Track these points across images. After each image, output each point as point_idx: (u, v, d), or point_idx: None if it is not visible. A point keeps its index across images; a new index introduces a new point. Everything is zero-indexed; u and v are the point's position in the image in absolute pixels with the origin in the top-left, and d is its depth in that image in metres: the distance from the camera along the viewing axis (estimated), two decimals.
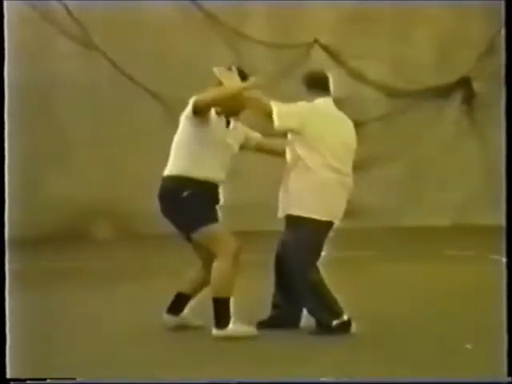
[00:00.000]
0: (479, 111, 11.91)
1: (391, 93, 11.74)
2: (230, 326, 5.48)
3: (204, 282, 5.69)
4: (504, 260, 4.07)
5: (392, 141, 11.71)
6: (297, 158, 5.45)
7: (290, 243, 5.52)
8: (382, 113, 11.70)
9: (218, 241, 5.46)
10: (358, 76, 11.54)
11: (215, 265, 5.45)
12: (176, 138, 5.81)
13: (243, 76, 5.53)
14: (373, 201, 11.50)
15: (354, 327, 5.52)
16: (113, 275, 8.10)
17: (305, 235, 5.46)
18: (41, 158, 11.09)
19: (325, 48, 11.56)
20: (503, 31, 4.20)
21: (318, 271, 5.57)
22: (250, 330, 5.52)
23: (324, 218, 5.49)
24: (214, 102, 5.51)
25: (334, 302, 5.55)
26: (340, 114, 5.57)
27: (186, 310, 5.77)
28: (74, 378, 4.29)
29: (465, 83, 11.83)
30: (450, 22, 11.72)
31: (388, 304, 6.56)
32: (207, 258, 5.57)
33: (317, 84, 5.54)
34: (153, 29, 11.13)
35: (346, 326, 5.50)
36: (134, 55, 11.08)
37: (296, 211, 5.46)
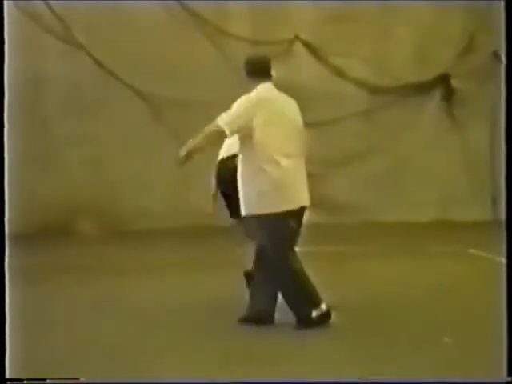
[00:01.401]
0: (458, 107, 11.89)
1: (372, 89, 11.71)
2: None
3: None
4: (504, 260, 4.03)
5: (373, 137, 11.69)
6: (248, 157, 5.40)
7: (264, 241, 5.50)
8: (362, 109, 11.66)
9: None
10: (338, 72, 11.52)
11: None
12: None
13: None
14: (354, 196, 11.52)
15: (333, 317, 5.51)
16: (98, 270, 8.11)
17: (273, 230, 5.41)
18: (28, 156, 10.94)
19: (306, 45, 11.53)
20: (503, 33, 4.15)
21: (297, 260, 5.54)
22: None
23: (284, 209, 5.41)
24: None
25: (314, 291, 5.53)
26: (282, 96, 5.52)
27: None
28: (77, 378, 4.24)
29: (444, 80, 11.80)
30: (429, 21, 11.69)
31: (369, 297, 6.57)
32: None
33: (257, 70, 5.50)
34: (137, 27, 11.04)
35: (325, 317, 5.48)
36: (118, 54, 10.98)
37: (256, 210, 5.42)
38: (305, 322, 5.45)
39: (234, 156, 5.67)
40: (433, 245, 9.45)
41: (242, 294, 5.97)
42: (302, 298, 5.48)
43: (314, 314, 5.46)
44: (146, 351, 4.99)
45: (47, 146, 11.12)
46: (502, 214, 12.83)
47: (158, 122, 11.22)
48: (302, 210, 5.57)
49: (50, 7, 10.79)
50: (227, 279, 6.88)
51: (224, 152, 6.17)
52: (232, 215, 6.14)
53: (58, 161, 11.16)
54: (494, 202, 11.80)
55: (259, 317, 5.61)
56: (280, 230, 5.42)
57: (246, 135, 5.33)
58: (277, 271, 5.51)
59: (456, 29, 11.67)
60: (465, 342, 5.10)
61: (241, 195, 5.48)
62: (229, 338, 5.30)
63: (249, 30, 11.15)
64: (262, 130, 5.31)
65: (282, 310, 5.62)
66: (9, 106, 10.94)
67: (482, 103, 11.81)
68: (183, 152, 5.39)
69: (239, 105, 5.36)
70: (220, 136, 5.36)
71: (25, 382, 4.07)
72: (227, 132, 5.27)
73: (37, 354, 4.92)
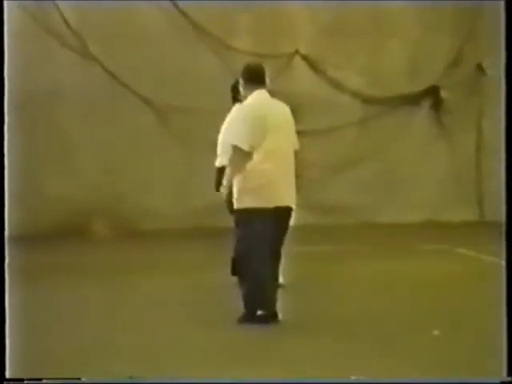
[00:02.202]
0: (446, 116, 11.93)
1: (366, 100, 11.74)
2: None
3: None
4: (503, 262, 3.98)
5: (367, 143, 11.75)
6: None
7: (238, 235, 5.50)
8: (357, 118, 11.71)
9: None
10: (335, 84, 11.54)
11: None
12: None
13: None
14: (350, 199, 11.52)
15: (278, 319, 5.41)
16: (111, 269, 8.03)
17: (247, 225, 5.39)
18: (43, 160, 11.04)
19: (305, 58, 11.55)
20: (503, 33, 4.05)
21: (266, 261, 5.43)
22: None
23: (260, 206, 5.36)
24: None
25: (269, 293, 5.44)
26: (275, 101, 5.57)
27: None
28: (79, 378, 4.06)
29: (433, 91, 11.84)
30: (420, 36, 11.75)
31: (362, 293, 6.60)
32: None
33: (253, 77, 5.54)
34: (146, 40, 11.09)
35: (269, 318, 5.39)
36: (129, 65, 11.02)
37: (237, 205, 5.45)
38: (247, 317, 5.39)
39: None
40: (423, 244, 9.49)
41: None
42: (256, 296, 5.39)
43: (259, 312, 5.38)
44: (149, 350, 4.85)
45: (61, 151, 11.14)
46: (488, 215, 13.13)
47: (164, 129, 11.24)
48: (286, 209, 5.48)
49: (66, 23, 10.86)
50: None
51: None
52: None
53: (71, 165, 11.15)
54: (480, 204, 11.90)
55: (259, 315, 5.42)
56: (253, 226, 5.34)
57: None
58: (243, 267, 5.46)
59: (444, 44, 11.70)
60: (453, 336, 4.97)
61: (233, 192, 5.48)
62: (232, 332, 5.24)
63: (251, 43, 11.13)
64: (259, 133, 5.37)
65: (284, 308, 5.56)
66: (27, 113, 11.15)
67: (468, 112, 11.86)
68: (225, 183, 5.44)
69: (244, 121, 5.43)
70: (243, 156, 5.32)
71: (25, 382, 3.88)
72: (246, 149, 5.30)
73: (52, 354, 4.76)
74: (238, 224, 5.49)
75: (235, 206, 5.47)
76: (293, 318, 5.54)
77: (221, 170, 6.13)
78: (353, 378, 4.06)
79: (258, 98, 5.49)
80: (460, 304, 6.19)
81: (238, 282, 5.56)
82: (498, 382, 3.83)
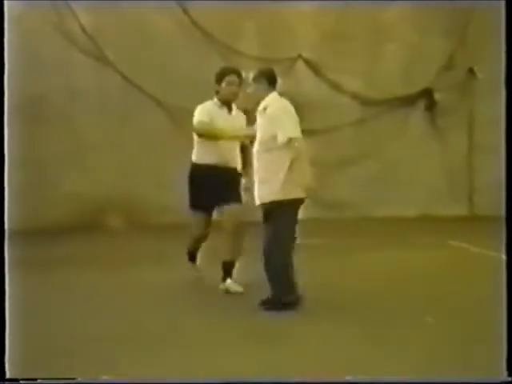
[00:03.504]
0: (440, 117, 11.95)
1: (364, 101, 11.77)
2: (228, 281, 5.96)
3: (204, 239, 6.41)
4: (504, 257, 3.87)
5: (366, 142, 11.77)
6: (277, 150, 5.42)
7: (278, 226, 5.47)
8: (356, 119, 11.73)
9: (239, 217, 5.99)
10: (335, 86, 11.56)
11: (227, 234, 5.98)
12: None
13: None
14: (349, 195, 11.55)
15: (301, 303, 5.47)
16: (125, 262, 7.98)
17: (289, 216, 5.46)
18: (60, 158, 11.08)
19: (307, 62, 11.59)
20: (504, 35, 3.97)
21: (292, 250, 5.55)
22: (240, 289, 6.02)
23: (300, 196, 5.47)
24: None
25: (292, 279, 5.51)
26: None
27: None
28: (75, 378, 3.87)
29: (427, 93, 11.84)
30: (415, 41, 11.79)
31: (361, 283, 6.64)
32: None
33: (273, 80, 5.68)
34: (158, 45, 11.12)
35: (295, 303, 5.49)
36: (142, 68, 11.07)
37: (278, 196, 5.45)
38: (272, 302, 5.42)
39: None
40: (417, 237, 9.53)
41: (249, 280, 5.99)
42: (283, 282, 5.44)
43: (284, 299, 5.43)
44: (155, 347, 4.67)
45: (77, 150, 11.16)
46: (478, 210, 13.12)
47: (174, 128, 11.16)
48: (302, 201, 5.57)
49: (83, 29, 10.94)
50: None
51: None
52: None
53: (86, 163, 11.17)
54: (470, 199, 11.94)
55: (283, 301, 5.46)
56: (295, 215, 5.48)
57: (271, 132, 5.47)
58: (278, 254, 5.45)
59: (437, 49, 11.72)
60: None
61: (263, 184, 5.48)
62: (246, 319, 5.25)
63: (257, 48, 11.15)
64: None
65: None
66: (45, 114, 11.21)
67: (460, 113, 11.88)
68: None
69: (289, 114, 5.52)
70: (295, 148, 5.41)
71: (21, 382, 3.68)
72: (300, 137, 5.47)
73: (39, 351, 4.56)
74: (279, 214, 5.43)
75: (279, 198, 5.42)
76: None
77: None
78: (351, 378, 3.91)
79: (279, 97, 5.64)
80: (453, 293, 6.21)
81: (267, 270, 5.53)
82: (497, 382, 3.72)
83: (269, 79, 5.66)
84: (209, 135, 6.24)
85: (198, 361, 4.39)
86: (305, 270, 5.95)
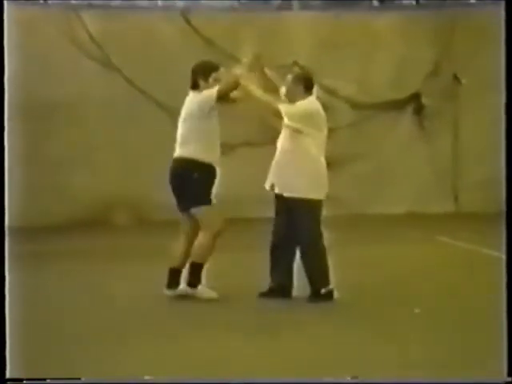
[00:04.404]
0: (427, 120, 12.04)
1: (357, 105, 11.87)
2: (199, 287, 5.65)
3: (189, 254, 5.78)
4: (504, 257, 3.85)
5: (358, 144, 11.85)
6: (297, 144, 5.57)
7: (305, 222, 5.56)
8: (350, 121, 11.82)
9: (210, 219, 5.67)
10: (329, 91, 11.61)
11: (200, 236, 5.64)
12: (187, 125, 5.94)
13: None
14: (342, 193, 11.37)
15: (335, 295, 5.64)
16: (129, 255, 8.05)
17: (315, 214, 5.63)
18: (69, 158, 11.21)
19: (302, 69, 11.31)
20: (503, 33, 3.92)
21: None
22: (213, 294, 5.67)
23: (322, 197, 5.69)
24: (230, 88, 5.80)
25: (327, 272, 5.64)
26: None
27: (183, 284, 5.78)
28: (79, 378, 3.75)
29: (415, 98, 11.93)
30: (403, 49, 11.86)
31: (356, 277, 6.72)
32: (192, 232, 5.75)
33: (310, 85, 5.79)
34: (162, 52, 11.22)
35: (331, 294, 5.64)
36: (146, 74, 11.17)
37: (310, 194, 5.60)
38: (315, 296, 5.55)
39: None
40: (407, 232, 9.68)
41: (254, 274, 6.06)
42: (320, 275, 5.56)
43: (323, 290, 5.54)
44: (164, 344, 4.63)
45: (85, 150, 11.24)
46: (463, 208, 13.27)
47: (177, 131, 11.49)
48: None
49: (91, 37, 11.10)
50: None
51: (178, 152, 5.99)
52: (181, 209, 5.91)
53: (94, 163, 11.25)
54: (456, 197, 12.03)
55: (279, 291, 5.63)
56: (319, 213, 5.68)
57: (297, 131, 5.60)
58: (312, 249, 5.56)
59: (424, 56, 11.82)
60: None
61: (290, 180, 5.57)
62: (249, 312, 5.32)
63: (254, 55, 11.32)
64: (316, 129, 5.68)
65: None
66: (54, 117, 11.40)
67: (446, 117, 11.98)
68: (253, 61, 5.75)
69: (309, 112, 5.68)
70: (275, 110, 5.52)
71: (24, 382, 3.60)
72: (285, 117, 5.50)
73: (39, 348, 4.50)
74: (306, 213, 5.53)
75: (308, 196, 5.54)
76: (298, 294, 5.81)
77: (177, 160, 5.99)
78: (351, 378, 3.84)
79: (316, 101, 5.78)
80: (440, 284, 6.34)
81: (304, 264, 5.62)
82: (497, 382, 3.63)
83: (306, 83, 5.73)
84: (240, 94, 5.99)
85: (200, 359, 4.33)
86: (294, 265, 6.00)
